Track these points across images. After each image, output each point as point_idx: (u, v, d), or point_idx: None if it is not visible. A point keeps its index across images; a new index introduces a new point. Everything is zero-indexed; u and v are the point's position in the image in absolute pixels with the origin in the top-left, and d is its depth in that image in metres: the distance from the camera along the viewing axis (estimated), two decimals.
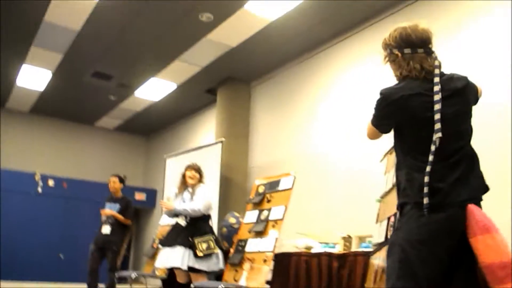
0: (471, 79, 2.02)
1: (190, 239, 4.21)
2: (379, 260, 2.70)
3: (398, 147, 1.99)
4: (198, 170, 4.57)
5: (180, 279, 4.35)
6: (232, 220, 5.32)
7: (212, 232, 4.38)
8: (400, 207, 1.89)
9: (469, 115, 1.98)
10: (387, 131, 2.05)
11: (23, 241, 9.09)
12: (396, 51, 1.98)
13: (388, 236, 2.58)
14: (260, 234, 4.42)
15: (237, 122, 7.84)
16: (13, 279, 8.10)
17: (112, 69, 7.87)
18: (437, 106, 1.85)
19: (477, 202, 1.84)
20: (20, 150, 10.15)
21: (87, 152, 11.02)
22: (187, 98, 8.95)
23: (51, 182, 9.76)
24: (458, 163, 1.84)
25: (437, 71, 1.92)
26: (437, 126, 1.81)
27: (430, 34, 1.99)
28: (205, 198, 4.37)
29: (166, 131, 11.06)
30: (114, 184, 5.94)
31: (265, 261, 4.16)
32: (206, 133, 9.24)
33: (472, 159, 1.91)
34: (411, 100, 1.89)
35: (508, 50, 4.28)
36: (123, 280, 5.80)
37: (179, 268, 4.20)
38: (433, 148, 1.80)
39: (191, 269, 4.17)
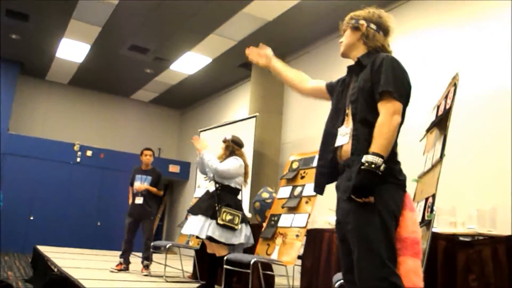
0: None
1: (217, 206, 4.20)
2: None
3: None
4: (225, 141, 4.56)
5: (209, 249, 4.41)
6: (265, 195, 5.37)
7: (240, 209, 4.37)
8: None
9: None
10: (405, 102, 1.96)
11: (62, 208, 9.48)
12: (363, 21, 2.10)
13: (426, 217, 2.55)
14: (293, 209, 4.45)
15: (271, 97, 7.80)
16: (51, 245, 8.48)
17: (148, 42, 7.94)
18: None
19: None
20: (60, 120, 10.49)
21: (123, 124, 11.27)
22: (221, 72, 8.97)
23: (89, 153, 10.07)
24: None
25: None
26: None
27: (392, 26, 2.14)
28: (228, 166, 4.31)
29: (200, 105, 11.15)
30: (150, 157, 6.07)
31: (297, 236, 4.20)
32: (240, 107, 9.27)
33: None
34: None
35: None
36: (157, 249, 5.99)
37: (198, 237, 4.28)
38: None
39: (210, 239, 4.19)
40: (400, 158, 1.95)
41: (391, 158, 1.86)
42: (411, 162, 3.44)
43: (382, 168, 1.77)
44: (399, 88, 1.89)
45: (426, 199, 2.64)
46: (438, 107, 2.87)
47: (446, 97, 2.72)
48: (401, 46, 5.62)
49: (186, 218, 6.25)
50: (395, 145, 1.89)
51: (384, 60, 1.94)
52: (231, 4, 6.35)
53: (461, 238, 2.85)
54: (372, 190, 1.78)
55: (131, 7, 6.69)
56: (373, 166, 1.77)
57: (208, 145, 4.43)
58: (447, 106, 2.61)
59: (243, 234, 4.31)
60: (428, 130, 3.06)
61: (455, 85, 2.65)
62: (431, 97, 4.45)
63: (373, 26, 2.08)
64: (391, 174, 1.85)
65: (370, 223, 1.80)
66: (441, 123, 2.71)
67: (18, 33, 7.97)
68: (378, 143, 1.81)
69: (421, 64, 5.39)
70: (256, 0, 6.17)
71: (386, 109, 1.86)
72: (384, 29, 2.11)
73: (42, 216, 9.24)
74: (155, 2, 6.50)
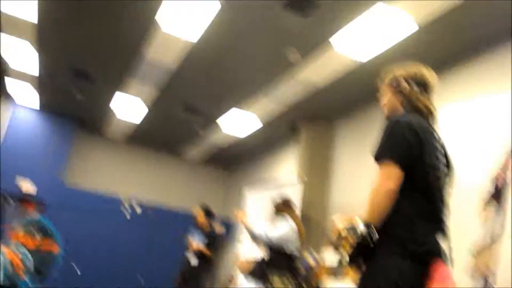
0: None
1: (268, 274, 4.12)
2: None
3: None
4: (274, 203, 4.52)
5: None
6: (309, 259, 5.23)
7: (290, 270, 4.23)
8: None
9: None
10: (404, 162, 1.78)
11: (108, 263, 9.57)
12: (405, 84, 2.02)
13: None
14: (339, 276, 4.28)
15: (319, 160, 7.79)
16: None
17: (201, 104, 8.25)
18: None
19: None
20: (112, 176, 10.86)
21: (172, 181, 11.52)
22: (270, 134, 9.10)
23: (138, 209, 10.26)
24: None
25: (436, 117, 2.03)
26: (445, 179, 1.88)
27: (434, 82, 2.04)
28: (279, 232, 4.21)
29: (248, 164, 11.26)
30: (198, 216, 6.08)
31: None
32: (287, 168, 9.27)
33: None
34: (427, 135, 1.88)
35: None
36: None
37: None
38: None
39: None
40: (456, 225, 1.86)
41: (401, 224, 1.72)
42: (468, 231, 3.28)
43: (372, 236, 1.68)
44: (393, 151, 1.79)
45: (485, 276, 2.49)
46: (496, 179, 2.77)
47: (505, 169, 2.62)
48: (455, 112, 5.55)
49: (229, 279, 6.16)
50: (409, 210, 1.73)
51: (386, 125, 1.89)
52: (281, 70, 6.56)
53: None
54: (356, 259, 1.74)
55: (188, 71, 7.04)
56: (361, 236, 1.73)
57: (247, 217, 4.36)
58: (507, 179, 2.51)
59: None
60: (486, 202, 2.93)
61: None
62: (488, 168, 4.29)
63: (415, 87, 2.00)
64: (396, 243, 1.70)
65: None
66: (499, 196, 2.60)
67: (81, 92, 8.50)
68: (367, 211, 1.74)
69: (476, 131, 5.25)
70: (306, 67, 6.34)
71: (379, 175, 1.78)
72: (426, 88, 2.02)
73: (86, 270, 9.33)
74: (210, 66, 6.81)
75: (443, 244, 1.74)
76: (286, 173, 9.19)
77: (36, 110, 9.67)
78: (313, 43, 5.82)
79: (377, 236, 1.68)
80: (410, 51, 5.53)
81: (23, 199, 3.98)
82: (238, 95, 7.67)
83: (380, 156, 1.81)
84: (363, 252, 1.71)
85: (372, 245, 1.68)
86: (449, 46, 5.51)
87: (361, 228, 1.71)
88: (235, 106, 8.11)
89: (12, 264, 2.52)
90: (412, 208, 1.74)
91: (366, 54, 5.81)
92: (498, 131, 4.95)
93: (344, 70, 6.29)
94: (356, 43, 5.60)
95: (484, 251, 2.69)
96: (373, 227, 1.69)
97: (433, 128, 1.94)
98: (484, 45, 5.35)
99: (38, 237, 2.73)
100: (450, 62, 5.76)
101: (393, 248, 1.69)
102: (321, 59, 6.11)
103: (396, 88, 2.02)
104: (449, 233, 1.80)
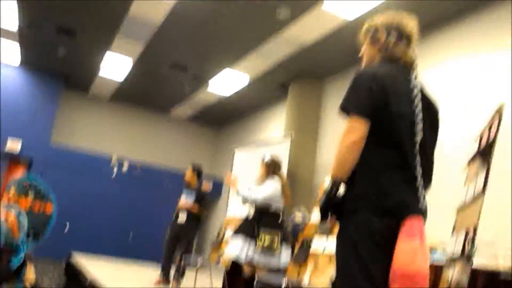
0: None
1: (256, 230, 4.18)
2: (453, 272, 2.62)
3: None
4: (264, 164, 4.49)
5: (246, 271, 4.37)
6: (298, 216, 5.35)
7: (280, 228, 4.32)
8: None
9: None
10: (367, 114, 1.69)
11: (96, 220, 9.70)
12: (381, 33, 1.92)
13: (466, 250, 2.49)
14: (326, 233, 4.42)
15: (307, 118, 7.83)
16: (85, 251, 8.67)
17: (188, 61, 8.14)
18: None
19: None
20: (99, 134, 10.82)
21: (160, 140, 11.52)
22: (259, 91, 9.07)
23: (126, 166, 10.31)
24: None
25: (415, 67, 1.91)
26: (420, 126, 1.77)
27: (413, 30, 1.94)
28: (268, 190, 4.24)
29: (236, 123, 11.27)
30: (188, 172, 6.06)
31: (330, 261, 4.16)
32: (275, 127, 9.32)
33: None
34: (396, 84, 1.79)
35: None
36: (187, 265, 5.99)
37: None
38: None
39: (250, 263, 4.13)
40: (440, 186, 1.86)
41: (367, 178, 1.68)
42: (452, 191, 3.38)
43: (337, 190, 1.67)
44: (357, 104, 1.72)
45: (466, 232, 2.59)
46: (481, 137, 2.83)
47: (490, 127, 2.67)
48: (443, 71, 5.58)
49: (218, 236, 6.31)
50: (376, 162, 1.69)
51: (353, 77, 1.81)
52: (270, 27, 6.46)
53: (503, 277, 2.76)
54: (324, 213, 1.72)
55: (173, 27, 6.90)
56: (326, 190, 1.71)
57: (237, 181, 4.37)
58: (491, 137, 2.57)
59: (283, 258, 4.23)
60: (470, 161, 3.00)
61: (499, 116, 2.60)
62: (474, 126, 4.37)
63: (393, 36, 1.90)
64: (364, 198, 1.67)
65: (341, 246, 1.74)
66: (484, 154, 2.67)
67: (65, 48, 8.31)
68: (333, 166, 1.72)
69: (465, 91, 5.30)
70: (295, 24, 6.25)
71: (344, 129, 1.72)
72: (406, 37, 1.91)
73: (78, 224, 9.45)
74: (196, 22, 6.67)
75: (419, 196, 1.69)
76: (274, 132, 9.24)
77: (18, 67, 9.46)
78: (303, 1, 5.72)
79: (341, 190, 1.66)
80: (401, 8, 5.47)
81: (11, 159, 3.94)
82: (226, 53, 7.56)
83: (344, 109, 1.75)
84: (333, 208, 1.69)
85: (337, 200, 1.67)
86: (440, 2, 5.45)
87: (328, 183, 1.68)
88: (223, 64, 8.02)
89: (7, 223, 2.54)
90: (379, 160, 1.69)
91: (355, 12, 5.73)
92: (491, 90, 5.00)
93: (333, 28, 6.22)
94: (345, 1, 5.52)
95: (467, 208, 2.79)
96: (338, 182, 1.67)
97: (410, 77, 1.86)
98: (480, 2, 5.32)
99: (30, 197, 2.73)
100: (442, 19, 5.72)
101: (361, 202, 1.66)
102: (311, 17, 6.02)
103: (373, 37, 1.95)
104: (427, 183, 1.77)
